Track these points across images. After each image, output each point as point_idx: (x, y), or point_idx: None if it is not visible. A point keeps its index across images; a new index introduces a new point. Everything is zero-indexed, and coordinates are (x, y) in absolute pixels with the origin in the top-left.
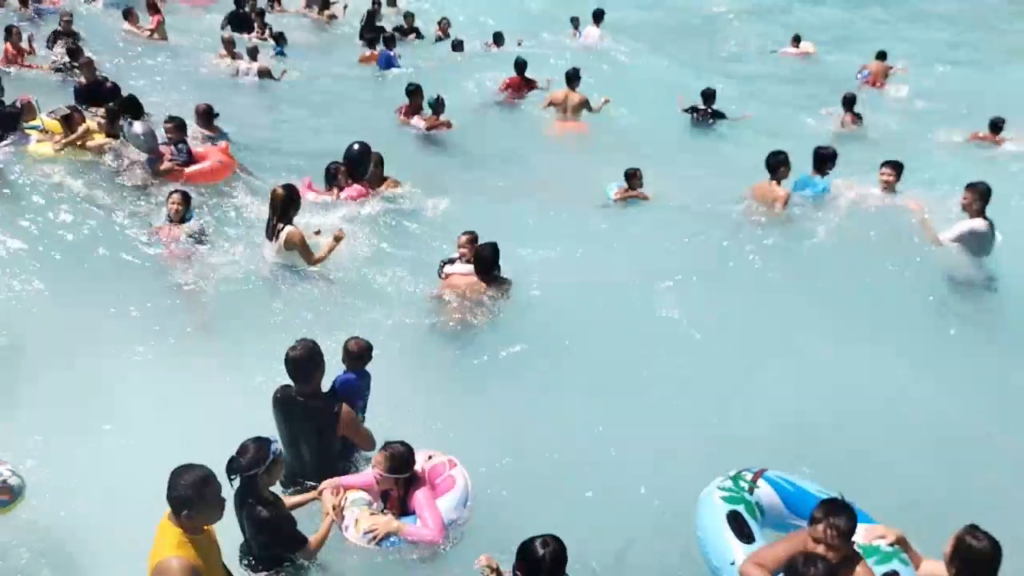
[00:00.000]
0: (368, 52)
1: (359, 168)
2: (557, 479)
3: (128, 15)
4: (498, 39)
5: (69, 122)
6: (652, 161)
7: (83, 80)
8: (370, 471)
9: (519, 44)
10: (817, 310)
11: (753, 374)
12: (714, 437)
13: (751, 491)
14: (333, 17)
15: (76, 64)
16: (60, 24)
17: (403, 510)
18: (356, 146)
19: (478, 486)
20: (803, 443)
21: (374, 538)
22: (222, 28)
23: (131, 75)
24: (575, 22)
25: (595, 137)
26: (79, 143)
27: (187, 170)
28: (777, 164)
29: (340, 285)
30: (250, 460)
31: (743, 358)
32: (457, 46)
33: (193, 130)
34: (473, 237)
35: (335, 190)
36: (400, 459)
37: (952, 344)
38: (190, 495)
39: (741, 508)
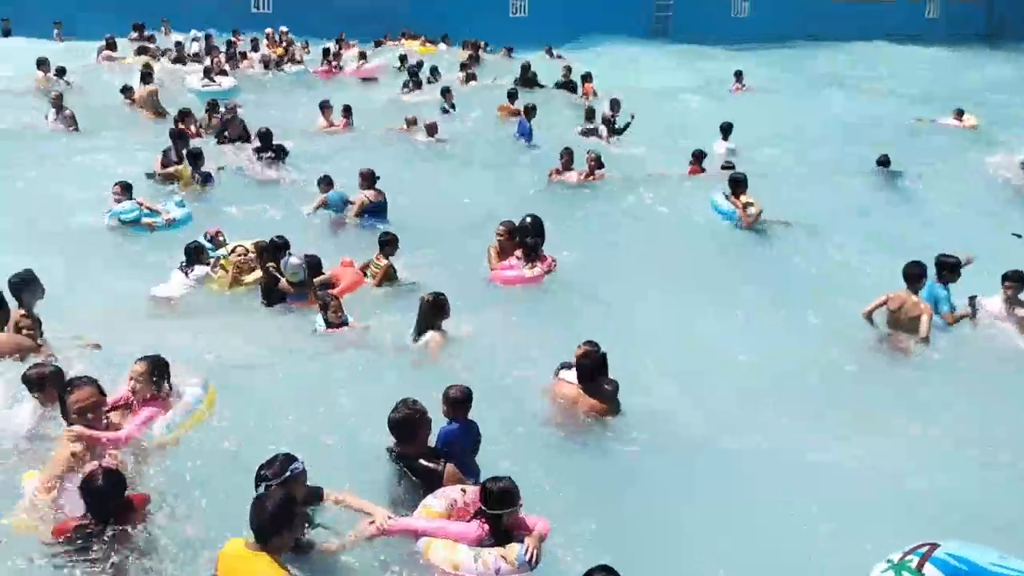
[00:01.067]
0: (507, 104)
1: (543, 238)
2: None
3: (324, 107)
4: (614, 106)
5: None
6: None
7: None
8: (469, 524)
9: (631, 118)
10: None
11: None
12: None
13: None
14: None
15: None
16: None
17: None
18: (529, 219)
19: None
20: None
21: (531, 559)
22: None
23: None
24: (739, 75)
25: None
26: (239, 282)
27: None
28: (916, 275)
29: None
30: (271, 472)
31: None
32: (614, 105)
33: None
34: (588, 350)
35: (537, 263)
36: (513, 492)
37: None
38: (289, 514)
39: None
